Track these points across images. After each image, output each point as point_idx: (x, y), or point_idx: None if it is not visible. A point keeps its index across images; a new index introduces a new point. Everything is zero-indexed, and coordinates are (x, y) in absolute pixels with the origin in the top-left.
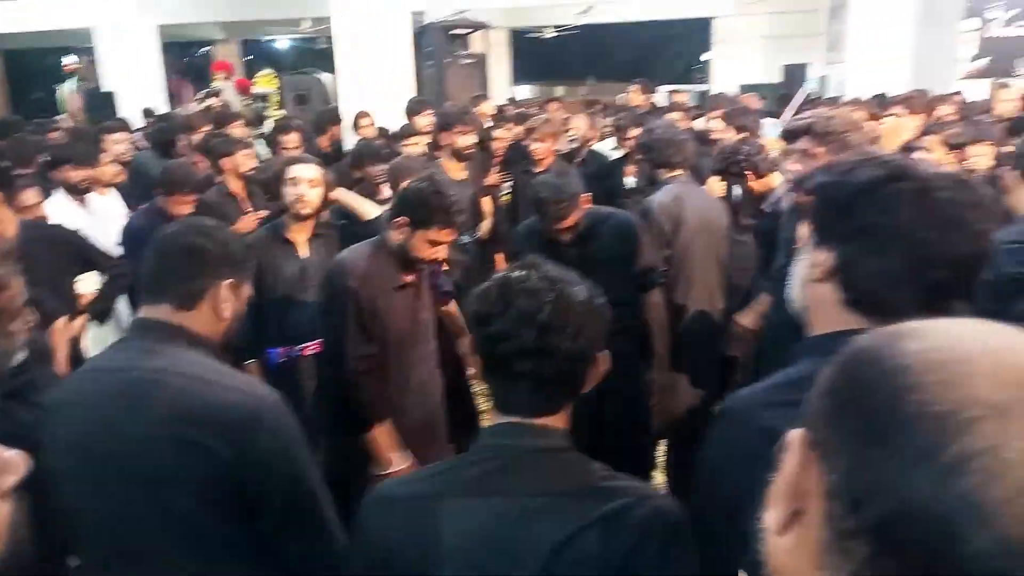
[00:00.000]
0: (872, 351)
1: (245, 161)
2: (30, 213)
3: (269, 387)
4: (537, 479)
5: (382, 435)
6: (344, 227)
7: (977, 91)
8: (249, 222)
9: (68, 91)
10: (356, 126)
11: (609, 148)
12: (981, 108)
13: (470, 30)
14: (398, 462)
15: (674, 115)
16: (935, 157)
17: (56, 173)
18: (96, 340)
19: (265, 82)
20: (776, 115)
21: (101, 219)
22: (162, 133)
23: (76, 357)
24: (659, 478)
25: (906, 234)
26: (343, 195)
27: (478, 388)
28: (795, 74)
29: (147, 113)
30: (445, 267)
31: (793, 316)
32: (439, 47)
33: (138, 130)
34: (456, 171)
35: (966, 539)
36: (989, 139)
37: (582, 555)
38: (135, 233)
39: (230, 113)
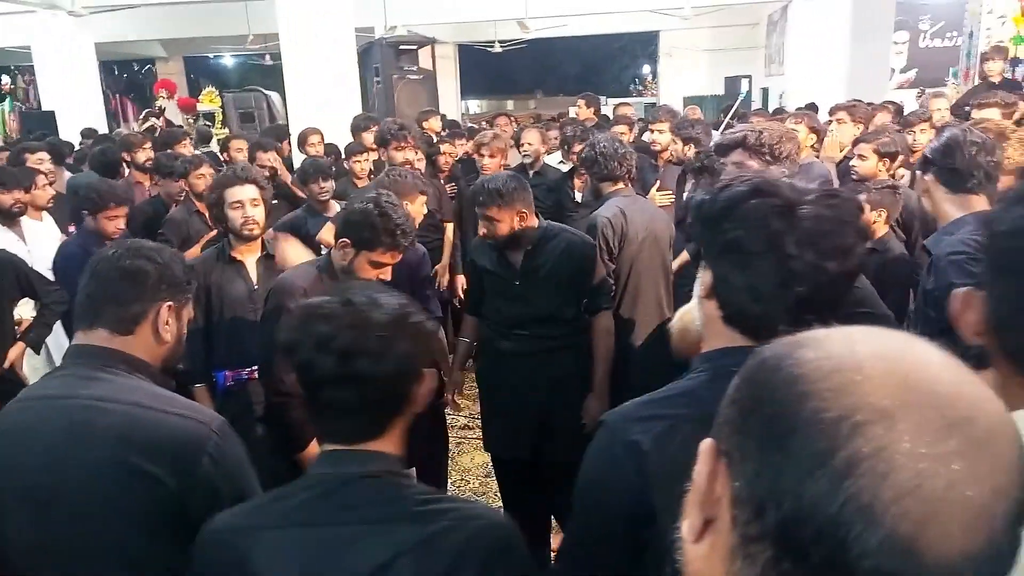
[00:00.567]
0: (772, 361)
1: (198, 182)
2: None
3: (213, 411)
4: (355, 507)
5: (312, 458)
6: None
7: (907, 101)
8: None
9: (7, 112)
10: (304, 143)
11: (556, 162)
12: (920, 117)
13: (417, 46)
14: None
15: (619, 128)
16: (871, 165)
17: None
18: (29, 370)
19: (209, 100)
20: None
21: (34, 244)
22: (104, 154)
23: (11, 386)
24: None
25: (767, 250)
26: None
27: (472, 422)
28: (737, 86)
29: (84, 134)
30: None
31: None
32: (386, 63)
33: (76, 151)
34: None
35: (857, 539)
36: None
37: None
38: (69, 258)
39: (176, 132)
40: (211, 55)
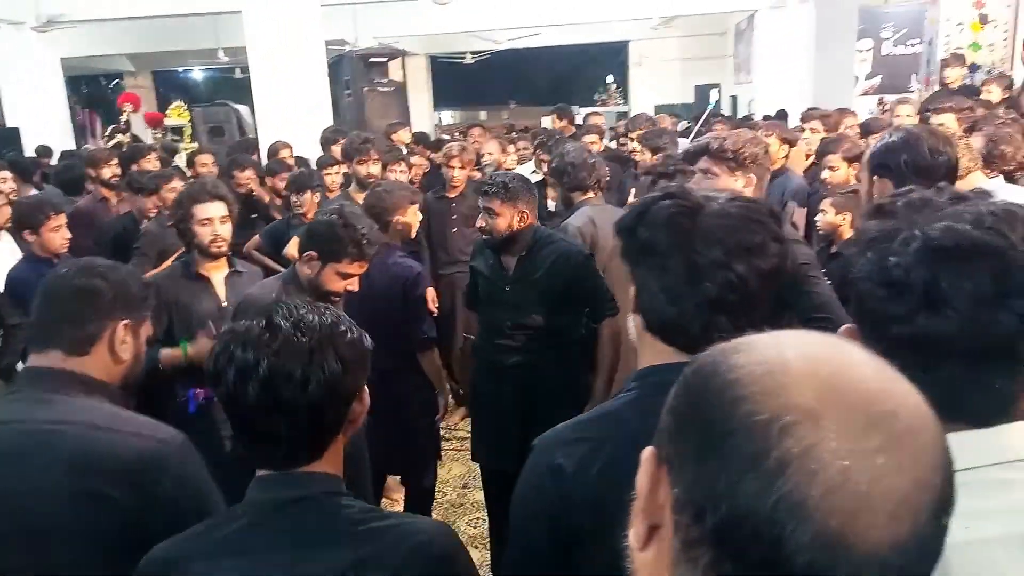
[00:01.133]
0: (707, 367)
1: (172, 196)
2: None
3: (174, 429)
4: (289, 533)
5: None
6: None
7: (868, 108)
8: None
9: None
10: (274, 157)
11: (529, 172)
12: (882, 124)
13: (387, 58)
14: None
15: (589, 137)
16: (842, 175)
17: None
18: None
19: (177, 114)
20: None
21: None
22: (67, 171)
23: None
24: None
25: (674, 248)
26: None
27: (449, 433)
28: (707, 94)
29: (40, 151)
30: (434, 311)
31: None
32: (357, 75)
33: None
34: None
35: (790, 536)
36: None
37: None
38: (19, 281)
39: (142, 147)
40: (180, 69)
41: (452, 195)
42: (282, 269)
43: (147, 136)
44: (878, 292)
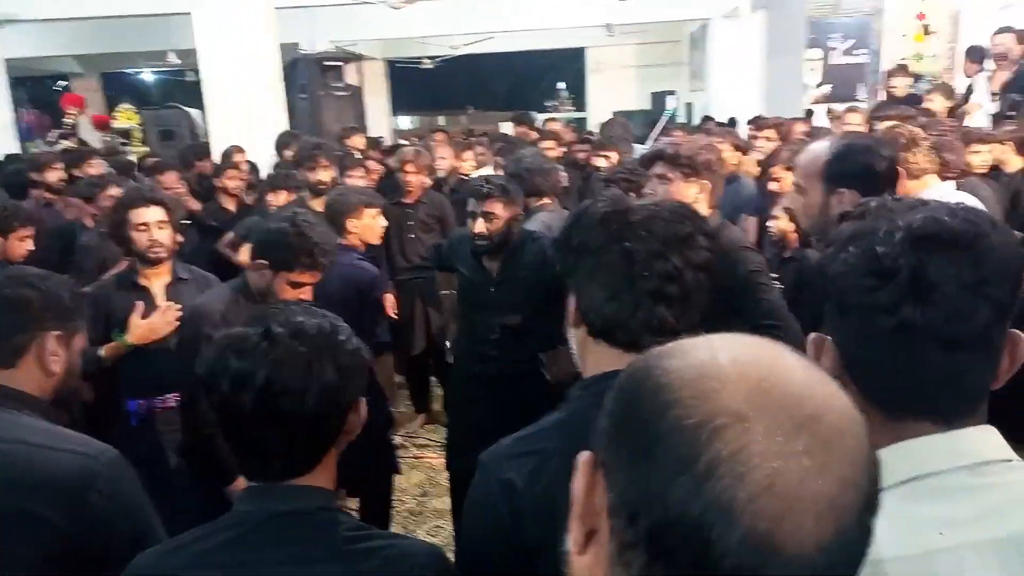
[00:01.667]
0: (640, 372)
1: (109, 203)
2: None
3: (104, 444)
4: (279, 547)
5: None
6: None
7: (819, 116)
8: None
9: None
10: (227, 162)
11: None
12: (829, 132)
13: (343, 62)
14: None
15: (546, 143)
16: (787, 182)
17: None
18: None
19: (126, 117)
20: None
21: None
22: (14, 175)
23: None
24: None
25: (609, 245)
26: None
27: (407, 441)
28: (663, 101)
29: None
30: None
31: None
32: (312, 79)
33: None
34: (317, 205)
35: (718, 539)
36: None
37: None
38: None
39: (83, 151)
40: (130, 71)
41: (409, 201)
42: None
43: (97, 140)
44: (865, 282)
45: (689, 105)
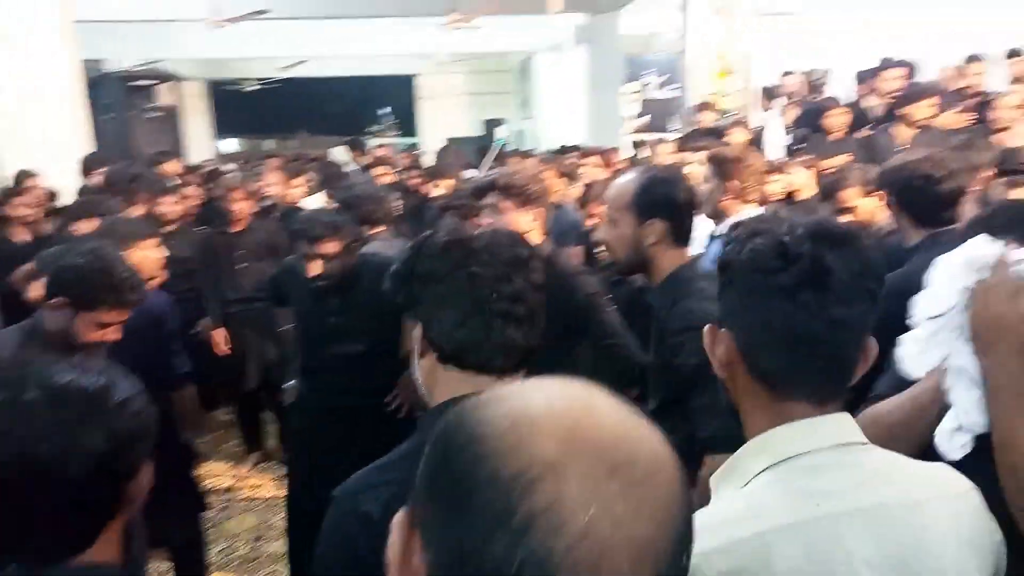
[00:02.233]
0: (455, 424)
1: None
2: None
3: None
4: None
5: None
6: None
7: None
8: None
9: None
10: (18, 187)
11: (317, 205)
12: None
13: (155, 81)
14: None
15: (379, 169)
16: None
17: None
18: None
19: None
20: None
21: None
22: None
23: None
24: None
25: (454, 270)
26: None
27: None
28: (494, 128)
29: None
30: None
31: None
32: (120, 99)
33: None
34: None
35: None
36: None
37: None
38: None
39: None
40: None
41: (236, 229)
42: None
43: None
44: (771, 264)
45: (520, 133)
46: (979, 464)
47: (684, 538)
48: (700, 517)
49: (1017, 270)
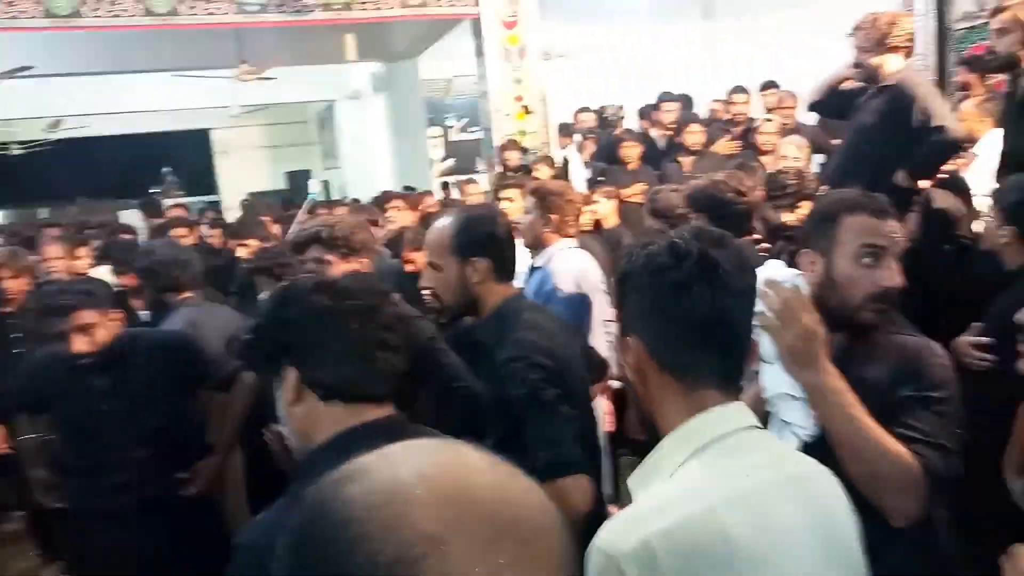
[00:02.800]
0: (320, 505)
1: None
2: None
3: None
4: None
5: None
6: None
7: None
8: None
9: None
10: None
11: (107, 275)
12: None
13: None
14: None
15: (179, 231)
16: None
17: None
18: None
19: None
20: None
21: None
22: None
23: None
24: None
25: (332, 312)
26: None
27: None
28: (299, 179)
29: None
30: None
31: None
32: None
33: None
34: None
35: None
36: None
37: None
38: None
39: None
40: None
41: (9, 310)
42: None
43: None
44: (665, 262)
45: (326, 183)
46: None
47: None
48: (635, 509)
49: (793, 285)
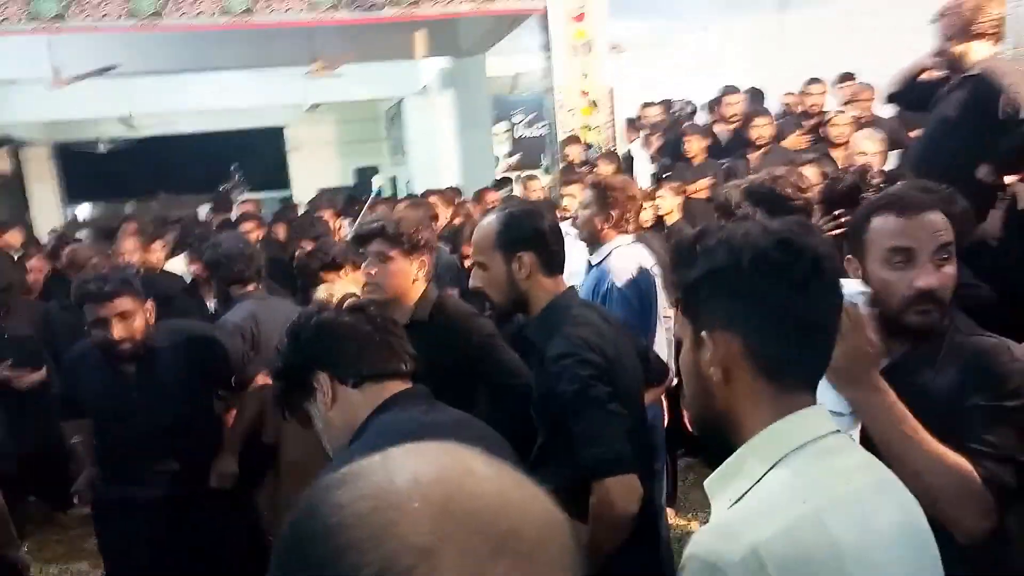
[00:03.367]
0: (307, 511)
1: None
2: None
3: None
4: None
5: None
6: None
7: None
8: None
9: None
10: None
11: (180, 268)
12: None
13: None
14: None
15: (247, 226)
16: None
17: None
18: None
19: None
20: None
21: None
22: None
23: None
24: None
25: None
26: None
27: None
28: (367, 175)
29: None
30: None
31: None
32: None
33: None
34: None
35: None
36: None
37: None
38: None
39: None
40: None
41: None
42: None
43: None
44: (779, 258)
45: (393, 179)
46: None
47: None
48: (731, 515)
49: (851, 303)
